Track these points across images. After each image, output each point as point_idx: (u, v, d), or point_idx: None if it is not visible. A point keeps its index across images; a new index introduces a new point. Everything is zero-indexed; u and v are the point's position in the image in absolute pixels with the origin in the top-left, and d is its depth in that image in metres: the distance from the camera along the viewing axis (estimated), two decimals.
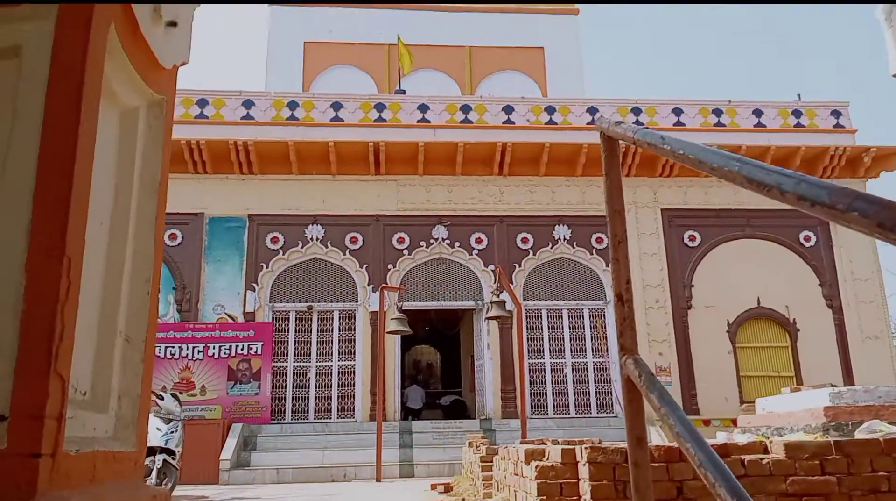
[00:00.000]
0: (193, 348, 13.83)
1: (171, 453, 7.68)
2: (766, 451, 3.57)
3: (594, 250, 15.11)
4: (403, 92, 17.38)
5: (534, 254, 15.05)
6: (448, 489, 8.07)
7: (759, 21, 66.23)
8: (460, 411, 17.53)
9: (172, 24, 1.92)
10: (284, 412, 13.95)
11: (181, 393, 12.51)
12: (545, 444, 5.15)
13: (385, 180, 15.20)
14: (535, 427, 13.15)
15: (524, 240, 15.12)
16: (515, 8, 21.49)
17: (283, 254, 14.65)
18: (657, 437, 12.87)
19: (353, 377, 14.24)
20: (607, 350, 14.63)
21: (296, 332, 14.46)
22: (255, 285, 14.41)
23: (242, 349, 13.96)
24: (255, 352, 13.97)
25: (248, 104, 15.46)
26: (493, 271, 14.45)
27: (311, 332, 14.49)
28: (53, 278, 1.49)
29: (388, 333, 12.57)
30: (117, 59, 1.77)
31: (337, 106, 15.66)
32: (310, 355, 14.36)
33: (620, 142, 1.81)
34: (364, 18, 20.88)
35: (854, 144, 15.78)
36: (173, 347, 13.76)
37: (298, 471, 12.13)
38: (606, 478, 3.41)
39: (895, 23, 3.38)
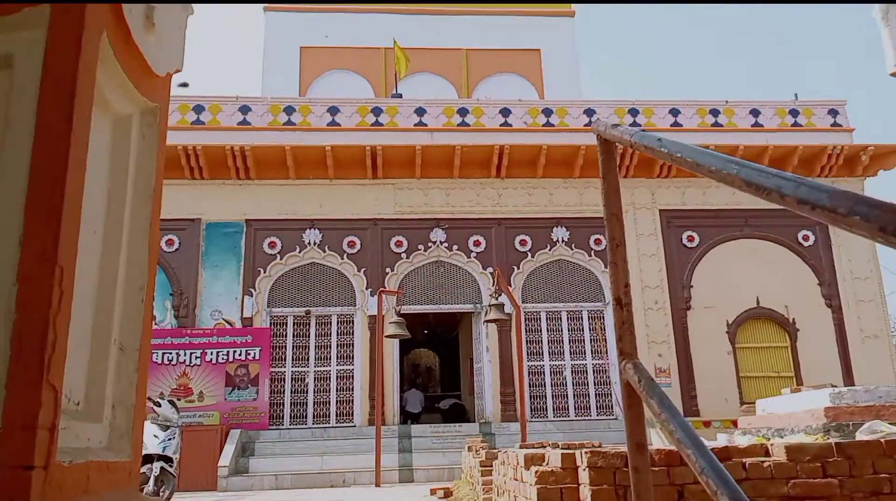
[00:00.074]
0: (191, 353, 13.80)
1: (168, 460, 7.64)
2: (767, 453, 3.55)
3: (592, 252, 15.10)
4: (400, 96, 17.38)
5: (532, 256, 15.04)
6: (448, 493, 8.04)
7: (757, 21, 66.40)
8: (460, 414, 17.50)
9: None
10: (283, 418, 13.91)
11: (179, 399, 12.50)
12: (545, 448, 5.13)
13: (382, 184, 15.19)
14: (535, 430, 13.13)
15: (522, 242, 15.11)
16: (511, 10, 21.51)
17: (281, 259, 14.63)
18: (657, 439, 12.85)
19: (351, 382, 14.21)
20: (607, 352, 14.61)
21: (294, 337, 14.44)
22: (252, 290, 14.39)
23: (240, 355, 13.93)
24: (253, 357, 13.94)
25: (244, 110, 15.45)
26: (491, 273, 14.44)
27: (309, 337, 14.47)
28: (45, 287, 1.47)
29: (386, 337, 12.55)
30: (110, 66, 1.76)
31: (334, 110, 15.66)
32: (308, 360, 14.34)
33: (617, 144, 1.80)
34: (360, 23, 20.89)
35: (852, 143, 15.80)
36: (171, 353, 13.73)
37: (297, 477, 12.09)
38: (607, 483, 3.39)
39: (892, 22, 3.38)
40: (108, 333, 1.82)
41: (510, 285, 14.17)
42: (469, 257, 14.95)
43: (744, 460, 3.46)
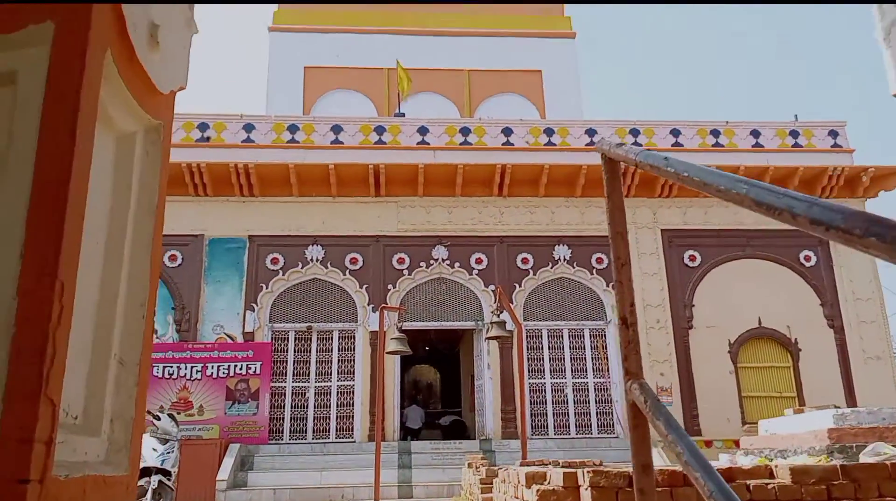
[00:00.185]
0: (192, 367, 13.76)
1: (167, 473, 7.60)
2: (771, 475, 3.51)
3: (594, 271, 15.08)
4: (403, 115, 17.46)
5: (534, 274, 15.02)
6: None
7: (759, 41, 66.80)
8: (460, 431, 17.39)
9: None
10: (282, 433, 13.85)
11: (179, 413, 12.44)
12: (546, 466, 5.09)
13: (385, 202, 15.21)
14: (536, 448, 13.04)
15: (524, 260, 15.10)
16: (513, 32, 21.67)
17: (283, 275, 14.62)
18: (658, 459, 12.75)
19: (351, 397, 14.15)
20: (608, 371, 14.55)
21: (295, 352, 14.40)
22: (254, 305, 14.37)
23: (241, 369, 13.89)
24: (254, 372, 13.90)
25: (248, 128, 15.52)
26: (493, 291, 14.41)
27: (310, 352, 14.43)
28: (46, 301, 1.47)
29: (387, 353, 12.49)
30: (113, 84, 1.76)
31: (337, 129, 15.73)
32: (309, 375, 14.29)
33: (621, 163, 1.79)
34: (364, 43, 21.03)
35: (852, 164, 15.82)
36: (171, 367, 13.69)
37: (296, 492, 12.01)
38: None
39: (893, 43, 3.39)
40: (108, 347, 1.82)
41: (512, 303, 14.13)
42: (471, 274, 14.94)
43: (748, 482, 3.43)
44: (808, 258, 15.47)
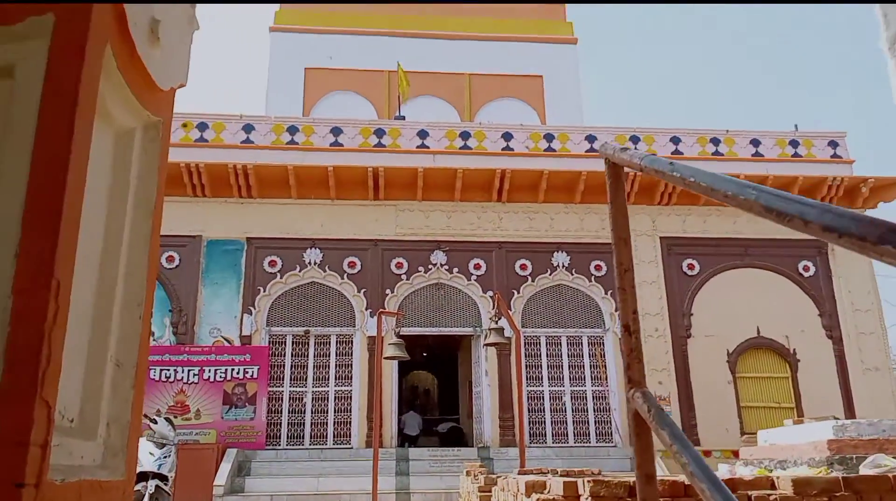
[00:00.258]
0: (188, 371, 13.70)
1: (163, 478, 7.55)
2: (773, 486, 3.49)
3: (593, 278, 15.05)
4: (403, 118, 17.45)
5: (532, 281, 14.99)
6: None
7: (760, 49, 66.97)
8: (458, 438, 17.34)
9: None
10: (280, 438, 13.79)
11: (175, 417, 12.38)
12: (545, 474, 5.06)
13: (384, 205, 15.19)
14: (534, 456, 12.98)
15: (523, 266, 15.07)
16: (514, 37, 21.68)
17: (281, 278, 14.59)
18: (657, 468, 12.70)
19: (349, 403, 14.10)
20: (606, 379, 14.51)
21: (292, 356, 14.35)
22: (251, 308, 14.33)
23: (238, 373, 13.83)
24: (251, 376, 13.85)
25: (248, 128, 15.51)
26: (491, 297, 14.39)
27: (307, 356, 14.38)
28: (41, 300, 1.45)
29: (385, 358, 12.43)
30: (113, 79, 1.74)
31: (337, 131, 15.72)
32: (306, 379, 14.23)
33: (625, 169, 1.77)
34: (364, 46, 21.03)
35: (852, 175, 15.82)
36: (168, 369, 13.63)
37: (293, 498, 11.94)
38: None
39: None
40: (104, 348, 1.79)
41: (510, 309, 14.10)
42: (469, 279, 14.91)
43: (749, 492, 3.40)
44: (806, 268, 15.46)
